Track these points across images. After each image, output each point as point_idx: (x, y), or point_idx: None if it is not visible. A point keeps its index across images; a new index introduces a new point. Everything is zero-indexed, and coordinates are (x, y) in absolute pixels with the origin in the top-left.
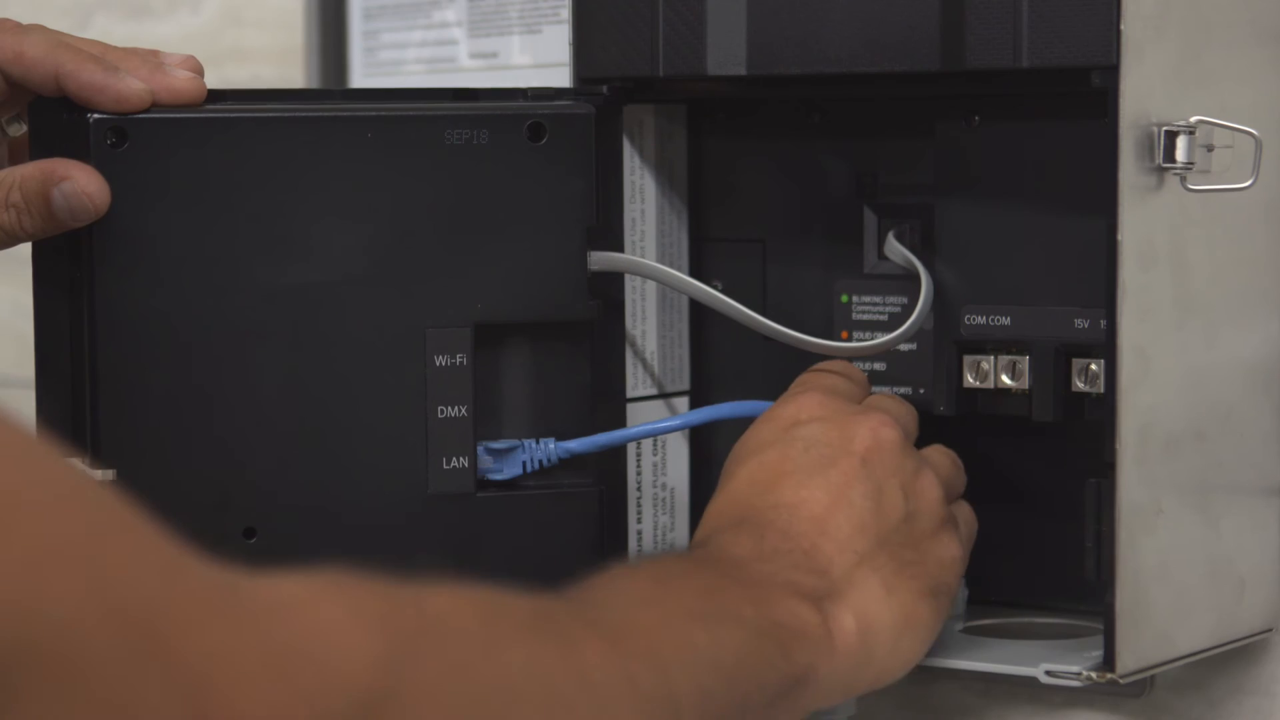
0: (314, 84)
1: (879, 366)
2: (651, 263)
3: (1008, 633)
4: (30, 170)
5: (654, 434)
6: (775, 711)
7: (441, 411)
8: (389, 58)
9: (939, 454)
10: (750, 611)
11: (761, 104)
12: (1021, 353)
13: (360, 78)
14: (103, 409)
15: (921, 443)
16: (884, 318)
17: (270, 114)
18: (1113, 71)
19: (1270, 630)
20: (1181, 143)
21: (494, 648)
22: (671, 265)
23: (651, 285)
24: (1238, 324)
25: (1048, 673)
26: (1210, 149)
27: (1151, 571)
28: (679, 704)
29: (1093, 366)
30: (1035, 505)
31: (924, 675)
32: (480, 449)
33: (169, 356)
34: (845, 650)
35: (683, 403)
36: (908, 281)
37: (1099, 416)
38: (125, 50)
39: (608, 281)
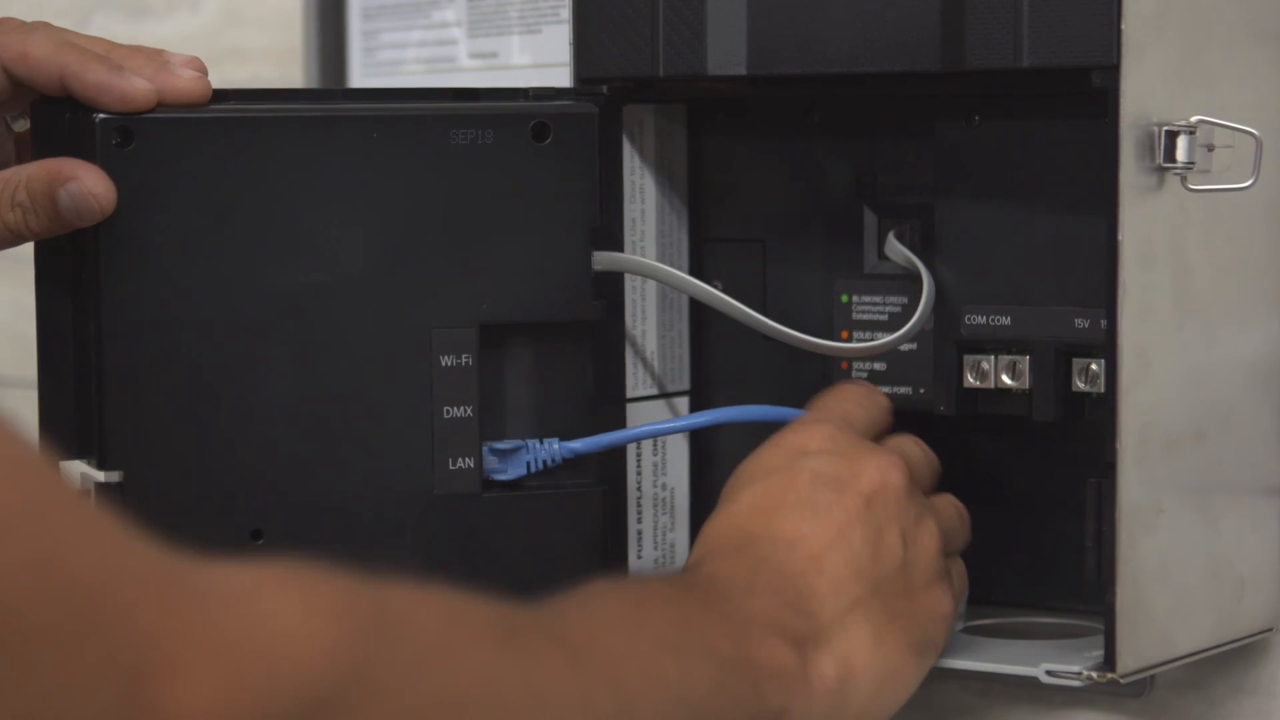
0: (313, 84)
1: (879, 366)
2: (654, 263)
3: (1008, 633)
4: (36, 170)
5: (658, 434)
6: None
7: (447, 412)
8: (388, 58)
9: (947, 504)
10: (727, 647)
11: (761, 104)
12: (1022, 353)
13: (359, 78)
14: (109, 410)
15: (923, 442)
16: (884, 318)
17: (276, 114)
18: (1113, 71)
19: (1270, 630)
20: (1182, 143)
21: (450, 652)
22: (671, 265)
23: (651, 285)
24: (1238, 324)
25: (1048, 673)
26: (1210, 149)
27: (1151, 571)
28: None
29: (1093, 366)
30: (1035, 505)
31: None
32: (485, 449)
33: (175, 357)
34: (822, 695)
35: (683, 403)
36: (908, 281)
37: (1099, 416)
38: (130, 49)
39: (609, 282)
